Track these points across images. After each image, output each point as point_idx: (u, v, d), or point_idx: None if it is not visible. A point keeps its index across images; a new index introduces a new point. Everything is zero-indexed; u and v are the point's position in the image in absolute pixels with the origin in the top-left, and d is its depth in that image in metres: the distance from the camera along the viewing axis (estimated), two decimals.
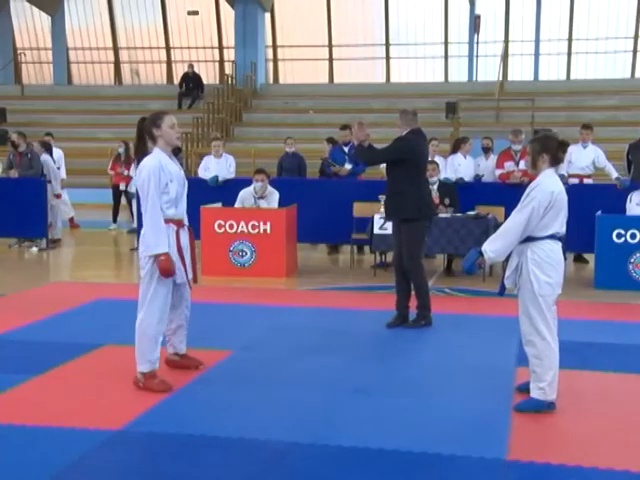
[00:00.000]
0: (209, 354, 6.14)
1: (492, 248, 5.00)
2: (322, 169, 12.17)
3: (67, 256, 12.42)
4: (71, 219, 14.90)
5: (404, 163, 7.11)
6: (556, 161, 5.02)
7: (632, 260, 9.14)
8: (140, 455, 4.36)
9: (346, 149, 11.61)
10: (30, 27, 27.52)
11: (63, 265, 11.75)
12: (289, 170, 12.55)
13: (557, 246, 4.98)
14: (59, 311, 7.76)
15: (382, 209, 9.70)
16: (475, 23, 23.10)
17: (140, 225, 5.48)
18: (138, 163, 5.44)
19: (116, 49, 27.03)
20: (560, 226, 4.97)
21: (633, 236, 9.16)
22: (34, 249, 12.32)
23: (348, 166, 11.25)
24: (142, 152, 5.46)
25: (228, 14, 24.94)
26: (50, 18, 26.58)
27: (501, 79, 22.27)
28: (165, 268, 5.30)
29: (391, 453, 4.29)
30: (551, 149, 4.98)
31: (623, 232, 9.19)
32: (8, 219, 12.11)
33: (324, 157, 12.37)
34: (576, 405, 5.17)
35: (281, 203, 10.08)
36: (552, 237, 4.94)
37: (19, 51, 27.04)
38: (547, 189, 4.88)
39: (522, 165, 10.72)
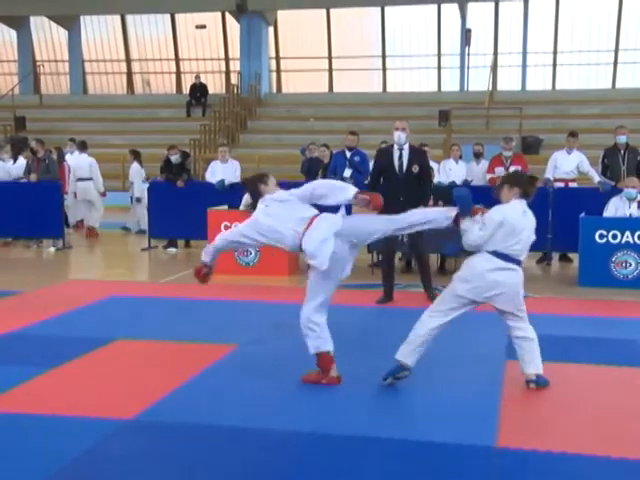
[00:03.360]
0: (216, 348, 6.15)
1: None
2: (305, 169, 12.15)
3: (83, 256, 12.41)
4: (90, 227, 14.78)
5: None
6: (526, 195, 5.17)
7: (614, 259, 9.14)
8: (150, 443, 4.35)
9: (348, 154, 11.49)
10: (48, 40, 27.53)
11: (79, 264, 11.74)
12: (314, 174, 12.17)
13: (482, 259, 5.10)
14: (75, 307, 7.76)
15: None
16: (466, 36, 23.09)
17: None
18: None
19: (128, 61, 27.03)
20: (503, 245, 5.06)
21: (614, 237, 9.15)
22: (51, 249, 12.32)
23: (348, 172, 11.15)
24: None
25: (234, 28, 24.94)
26: (67, 32, 26.59)
27: (491, 89, 22.25)
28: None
29: (387, 441, 4.29)
30: (521, 184, 5.18)
31: (605, 233, 9.19)
32: (26, 221, 12.14)
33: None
34: (561, 395, 5.16)
35: None
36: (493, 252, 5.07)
37: (38, 63, 27.07)
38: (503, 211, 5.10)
39: (512, 170, 10.72)
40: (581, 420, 4.71)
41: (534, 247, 11.04)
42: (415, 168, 7.98)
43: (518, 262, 5.16)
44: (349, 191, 5.26)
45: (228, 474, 3.91)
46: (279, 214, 5.18)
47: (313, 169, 12.09)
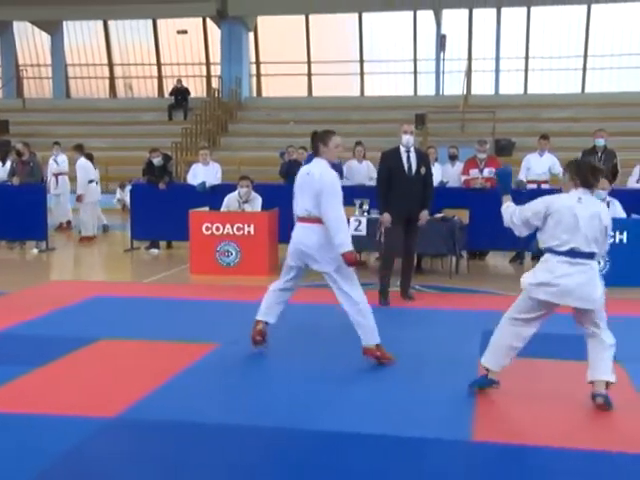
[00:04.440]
0: (198, 347, 6.12)
1: None
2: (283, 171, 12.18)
3: (66, 257, 12.32)
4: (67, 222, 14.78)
5: None
6: (586, 184, 4.84)
7: None
8: (133, 441, 4.33)
9: None
10: (31, 45, 27.31)
11: (62, 265, 11.65)
12: (292, 175, 12.12)
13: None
14: (59, 308, 7.70)
15: (357, 211, 9.73)
16: (441, 42, 23.18)
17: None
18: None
19: (111, 65, 26.87)
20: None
21: None
22: (34, 250, 12.21)
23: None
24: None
25: (215, 33, 24.88)
26: (50, 37, 26.41)
27: (465, 93, 22.36)
28: (353, 260, 5.55)
29: (367, 437, 4.29)
30: (581, 175, 4.84)
31: None
32: (11, 223, 12.01)
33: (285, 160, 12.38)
34: (533, 390, 5.20)
35: (263, 207, 10.06)
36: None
37: (21, 67, 26.85)
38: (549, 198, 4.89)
39: (486, 173, 10.78)
40: (552, 414, 4.73)
41: (508, 246, 11.25)
42: (422, 170, 8.04)
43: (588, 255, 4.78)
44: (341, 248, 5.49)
45: (210, 471, 3.89)
46: None
47: (292, 171, 12.10)
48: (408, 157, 8.01)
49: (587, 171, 4.85)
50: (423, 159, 8.20)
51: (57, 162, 14.64)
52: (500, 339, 5.06)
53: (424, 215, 8.07)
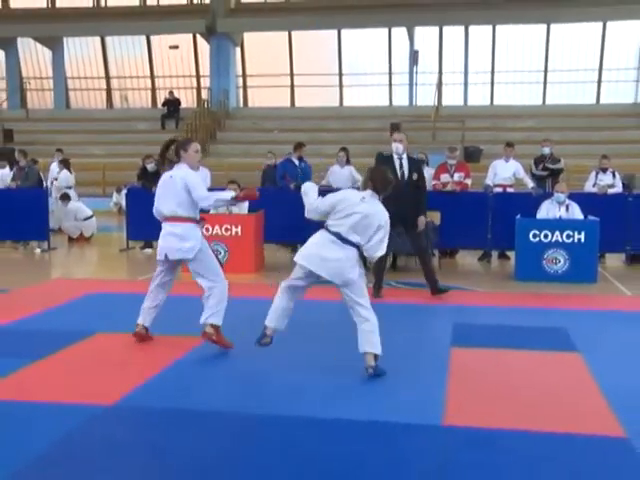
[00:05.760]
0: (189, 339, 6.07)
1: None
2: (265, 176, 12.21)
3: (66, 256, 12.21)
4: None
5: None
6: (375, 189, 5.22)
7: (545, 256, 9.24)
8: (129, 427, 4.29)
9: (297, 162, 11.62)
10: (34, 59, 27.11)
11: (62, 264, 11.55)
12: (271, 178, 12.27)
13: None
14: (58, 304, 7.63)
15: None
16: (414, 57, 23.22)
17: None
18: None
19: (108, 78, 26.69)
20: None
21: (546, 236, 9.26)
22: (37, 250, 12.10)
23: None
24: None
25: (204, 48, 24.79)
26: (51, 52, 26.23)
27: (436, 104, 22.42)
28: (247, 195, 5.84)
29: (347, 422, 4.27)
30: (374, 180, 5.22)
31: (538, 233, 9.29)
32: (15, 224, 11.95)
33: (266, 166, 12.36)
34: (501, 377, 5.20)
35: (250, 209, 10.02)
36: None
37: (25, 80, 26.64)
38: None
39: (456, 177, 10.80)
40: (519, 399, 4.74)
41: (476, 245, 11.28)
42: (414, 175, 8.01)
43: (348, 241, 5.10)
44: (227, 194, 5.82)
45: (201, 455, 3.86)
46: None
47: (269, 175, 12.17)
48: (401, 164, 7.98)
49: (378, 179, 5.20)
50: (415, 165, 8.15)
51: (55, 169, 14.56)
52: (279, 303, 5.28)
53: (421, 221, 8.00)
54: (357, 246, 5.08)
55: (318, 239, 5.16)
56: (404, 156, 8.05)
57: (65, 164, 14.29)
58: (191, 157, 5.81)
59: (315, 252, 5.11)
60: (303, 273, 5.19)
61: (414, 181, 8.02)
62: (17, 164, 12.74)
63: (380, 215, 5.14)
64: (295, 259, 5.24)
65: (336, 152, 12.21)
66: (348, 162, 11.93)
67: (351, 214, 5.06)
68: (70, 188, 13.99)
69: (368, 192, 5.19)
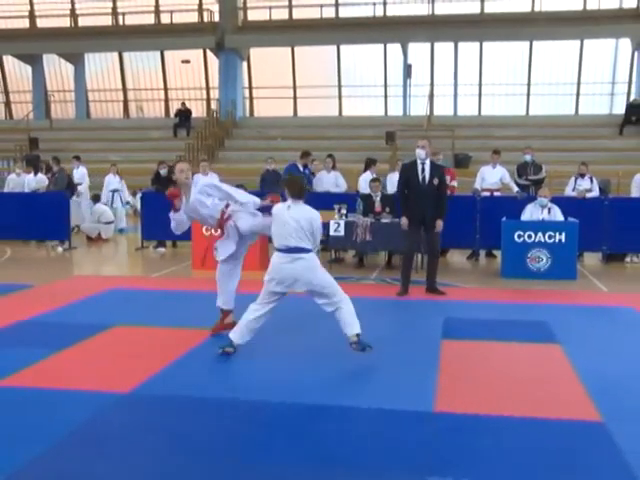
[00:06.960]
0: (200, 332, 6.09)
1: None
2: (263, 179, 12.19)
3: (86, 254, 12.22)
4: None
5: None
6: (293, 196, 5.25)
7: (529, 255, 9.25)
8: (144, 413, 4.29)
9: (301, 168, 11.60)
10: (58, 74, 27.17)
11: (83, 262, 11.56)
12: (270, 183, 12.27)
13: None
14: (79, 299, 7.64)
15: (336, 215, 9.71)
16: (408, 70, 23.20)
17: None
18: None
19: (125, 90, 26.69)
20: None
21: (530, 237, 9.27)
22: (59, 249, 12.11)
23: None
24: None
25: (213, 62, 24.79)
26: (73, 66, 26.30)
27: (428, 114, 22.39)
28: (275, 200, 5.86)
29: (346, 409, 4.28)
30: (291, 189, 5.27)
31: (522, 233, 9.30)
32: (39, 225, 12.00)
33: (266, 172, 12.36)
34: (487, 368, 5.21)
35: None
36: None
37: (49, 92, 26.73)
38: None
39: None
40: (504, 387, 4.75)
41: (466, 245, 11.27)
42: (435, 180, 7.87)
43: (302, 250, 5.16)
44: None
45: (211, 439, 3.87)
46: None
47: (268, 179, 12.18)
48: (423, 169, 7.86)
49: (290, 186, 5.27)
50: (437, 171, 7.95)
51: (76, 174, 14.53)
52: (253, 321, 5.34)
53: (439, 224, 7.88)
54: (309, 250, 5.18)
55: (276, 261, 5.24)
56: (427, 161, 7.87)
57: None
58: (177, 176, 6.09)
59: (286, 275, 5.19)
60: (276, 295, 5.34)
61: (435, 186, 7.85)
62: (51, 170, 12.90)
63: (307, 214, 5.22)
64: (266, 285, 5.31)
65: (325, 157, 12.21)
66: (334, 168, 11.91)
67: (284, 223, 5.17)
68: (81, 184, 14.07)
69: (289, 200, 5.28)
